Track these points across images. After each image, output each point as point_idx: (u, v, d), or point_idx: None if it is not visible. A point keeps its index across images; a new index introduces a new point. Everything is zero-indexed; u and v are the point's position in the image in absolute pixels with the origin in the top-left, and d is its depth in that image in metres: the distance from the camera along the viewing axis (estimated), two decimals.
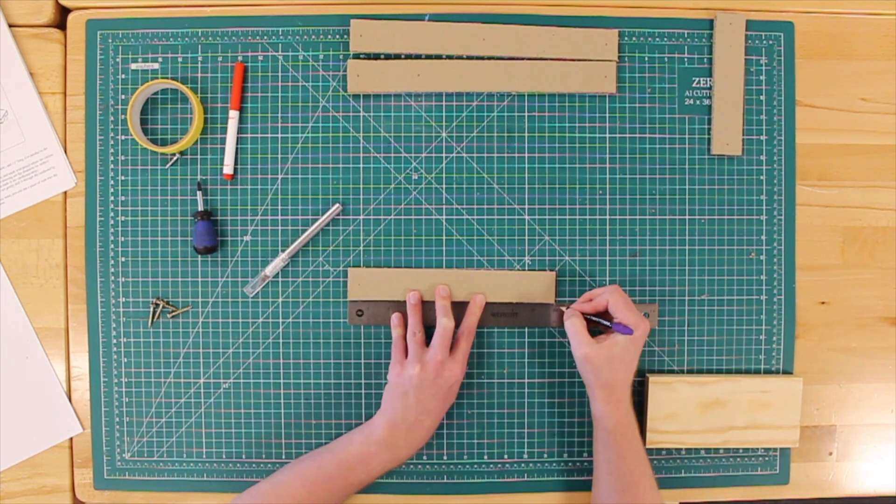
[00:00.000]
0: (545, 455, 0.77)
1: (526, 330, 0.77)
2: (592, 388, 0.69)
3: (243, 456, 0.77)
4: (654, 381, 0.75)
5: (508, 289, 0.76)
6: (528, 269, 0.77)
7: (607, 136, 0.77)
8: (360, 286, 0.76)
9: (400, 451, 0.70)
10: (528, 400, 0.77)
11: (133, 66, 0.76)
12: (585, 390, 0.76)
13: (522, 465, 0.77)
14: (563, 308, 0.75)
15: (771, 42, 0.77)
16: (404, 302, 0.75)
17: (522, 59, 0.76)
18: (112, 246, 0.76)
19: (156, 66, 0.76)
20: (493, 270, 0.76)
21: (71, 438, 0.77)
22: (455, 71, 0.75)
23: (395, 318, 0.74)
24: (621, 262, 0.77)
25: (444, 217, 0.76)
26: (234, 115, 0.75)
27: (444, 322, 0.72)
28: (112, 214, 0.76)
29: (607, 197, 0.77)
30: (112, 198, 0.76)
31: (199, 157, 0.76)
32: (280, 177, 0.76)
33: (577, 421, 0.77)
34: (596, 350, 0.68)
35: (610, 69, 0.76)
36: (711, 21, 0.77)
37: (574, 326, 0.70)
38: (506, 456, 0.77)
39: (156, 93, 0.76)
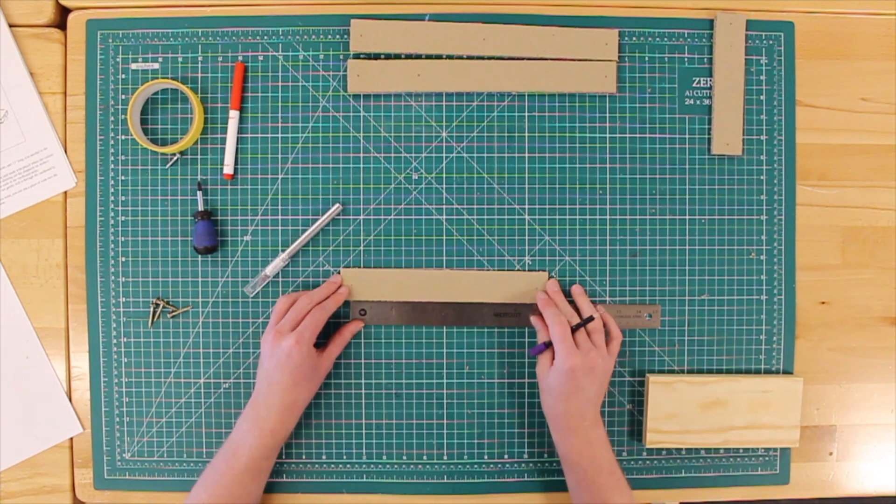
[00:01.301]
0: (545, 455, 0.77)
1: (526, 330, 0.77)
2: (547, 417, 0.72)
3: None
4: (654, 381, 0.75)
5: (501, 289, 0.76)
6: (528, 270, 0.77)
7: (607, 136, 0.77)
8: (354, 287, 0.75)
9: (265, 424, 0.69)
10: (528, 400, 0.77)
11: (133, 66, 0.76)
12: None
13: (522, 465, 0.77)
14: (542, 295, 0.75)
15: (771, 42, 0.77)
16: (405, 302, 0.75)
17: (522, 59, 0.76)
18: (112, 246, 0.76)
19: (156, 66, 0.76)
20: (484, 271, 0.76)
21: (71, 438, 0.77)
22: (455, 71, 0.75)
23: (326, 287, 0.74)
24: (621, 262, 0.77)
25: (444, 217, 0.76)
26: (234, 115, 0.75)
27: (305, 297, 0.72)
28: (112, 214, 0.76)
29: (607, 197, 0.77)
30: (112, 198, 0.76)
31: (199, 157, 0.76)
32: (280, 177, 0.76)
33: None
34: (541, 374, 0.71)
35: (610, 69, 0.76)
36: (711, 21, 0.77)
37: (543, 335, 0.72)
38: (506, 456, 0.77)
39: (156, 93, 0.76)
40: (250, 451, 0.69)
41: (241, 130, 0.76)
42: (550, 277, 0.76)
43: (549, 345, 0.71)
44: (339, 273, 0.75)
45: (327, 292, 0.74)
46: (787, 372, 0.78)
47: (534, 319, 0.74)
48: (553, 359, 0.70)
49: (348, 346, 0.76)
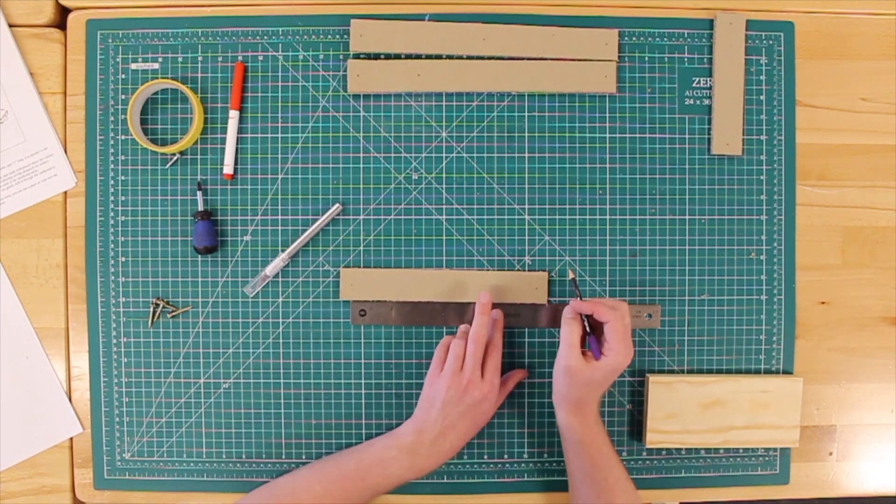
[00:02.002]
0: (545, 455, 0.77)
1: (526, 330, 0.77)
2: (562, 399, 0.69)
3: (243, 456, 0.77)
4: (654, 381, 0.75)
5: (501, 289, 0.76)
6: (528, 270, 0.77)
7: (607, 136, 0.77)
8: (353, 286, 0.76)
9: (420, 461, 0.69)
10: (528, 400, 0.77)
11: (133, 66, 0.76)
12: None
13: (522, 465, 0.77)
14: (570, 302, 0.70)
15: (771, 42, 0.77)
16: (405, 303, 0.75)
17: (522, 59, 0.76)
18: (112, 246, 0.76)
19: (156, 66, 0.76)
20: (484, 271, 0.76)
21: (71, 438, 0.77)
22: (455, 71, 0.75)
23: (463, 327, 0.72)
24: (621, 262, 0.77)
25: (444, 217, 0.76)
26: (234, 115, 0.75)
27: (474, 334, 0.69)
28: (112, 214, 0.76)
29: (607, 197, 0.77)
30: (112, 198, 0.76)
31: (199, 157, 0.76)
32: (280, 177, 0.76)
33: None
34: (581, 367, 0.67)
35: (610, 69, 0.76)
36: (711, 21, 0.77)
37: (570, 335, 0.67)
38: (506, 456, 0.77)
39: (156, 93, 0.76)
40: (388, 478, 0.69)
41: (241, 130, 0.76)
42: (550, 277, 0.76)
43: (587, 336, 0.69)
44: (486, 293, 0.71)
45: (488, 320, 0.70)
46: (787, 372, 0.78)
47: (570, 329, 0.68)
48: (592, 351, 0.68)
49: (348, 345, 0.76)
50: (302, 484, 0.69)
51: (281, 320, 0.76)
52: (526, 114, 0.76)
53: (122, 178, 0.76)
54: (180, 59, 0.76)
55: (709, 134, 0.77)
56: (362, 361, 0.77)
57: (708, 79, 0.77)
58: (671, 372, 0.77)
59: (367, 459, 0.69)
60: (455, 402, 0.68)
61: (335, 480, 0.69)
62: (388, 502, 0.77)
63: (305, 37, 0.76)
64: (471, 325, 0.70)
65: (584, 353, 0.68)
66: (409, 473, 0.69)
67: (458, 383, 0.68)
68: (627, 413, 0.77)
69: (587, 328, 0.69)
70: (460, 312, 0.76)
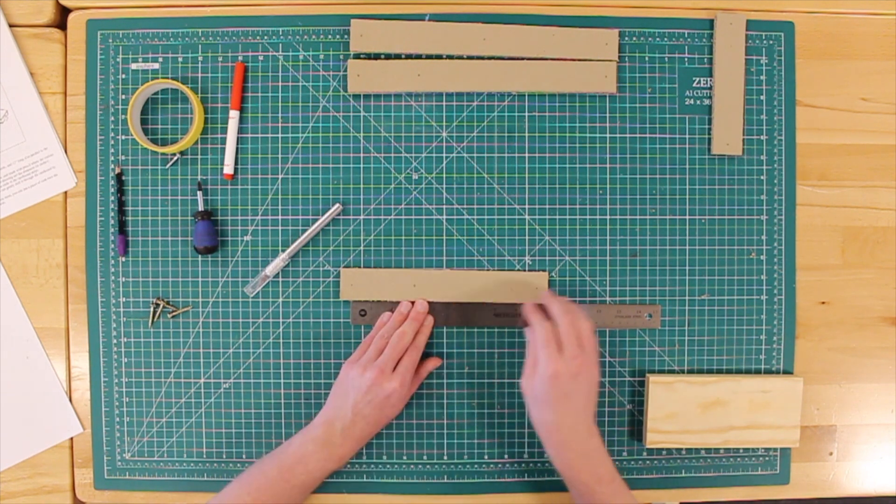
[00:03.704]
0: (545, 455, 0.77)
1: (526, 330, 0.77)
2: (546, 431, 0.68)
3: (243, 456, 0.77)
4: (654, 381, 0.75)
5: (501, 289, 0.76)
6: (528, 270, 0.77)
7: (607, 136, 0.77)
8: (353, 286, 0.76)
9: (336, 450, 0.70)
10: None
11: (133, 66, 0.76)
12: None
13: (522, 465, 0.77)
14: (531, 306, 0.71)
15: (771, 42, 0.77)
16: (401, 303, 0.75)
17: (522, 59, 0.76)
18: (112, 246, 0.76)
19: (156, 66, 0.76)
20: (484, 271, 0.76)
21: (71, 438, 0.77)
22: (455, 71, 0.75)
23: (384, 315, 0.75)
24: (621, 262, 0.77)
25: (444, 217, 0.76)
26: (234, 115, 0.75)
27: (399, 333, 0.72)
28: (112, 214, 0.76)
29: (607, 197, 0.77)
30: (112, 198, 0.76)
31: (199, 157, 0.76)
32: (280, 177, 0.76)
33: None
34: (525, 383, 0.68)
35: (610, 69, 0.76)
36: (712, 21, 0.77)
37: (534, 339, 0.68)
38: (506, 456, 0.77)
39: (156, 93, 0.76)
40: (311, 473, 0.69)
41: (241, 130, 0.76)
42: (551, 277, 0.76)
43: None
44: (424, 302, 0.75)
45: (417, 326, 0.73)
46: (787, 372, 0.78)
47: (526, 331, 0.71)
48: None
49: (348, 345, 0.76)
50: (231, 499, 0.68)
51: (281, 320, 0.76)
52: (526, 114, 0.76)
53: (123, 177, 0.76)
54: (180, 59, 0.76)
55: (709, 134, 0.77)
56: None
57: (708, 79, 0.77)
58: (671, 372, 0.77)
59: (287, 460, 0.70)
60: (365, 392, 0.70)
61: (262, 488, 0.69)
62: (389, 502, 0.77)
63: (305, 37, 0.76)
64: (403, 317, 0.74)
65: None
66: (329, 464, 0.70)
67: (370, 376, 0.70)
68: (627, 413, 0.77)
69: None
70: (461, 312, 0.76)
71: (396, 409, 0.72)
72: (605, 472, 0.67)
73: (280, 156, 0.76)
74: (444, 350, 0.76)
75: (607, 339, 0.77)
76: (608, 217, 0.77)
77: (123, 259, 0.76)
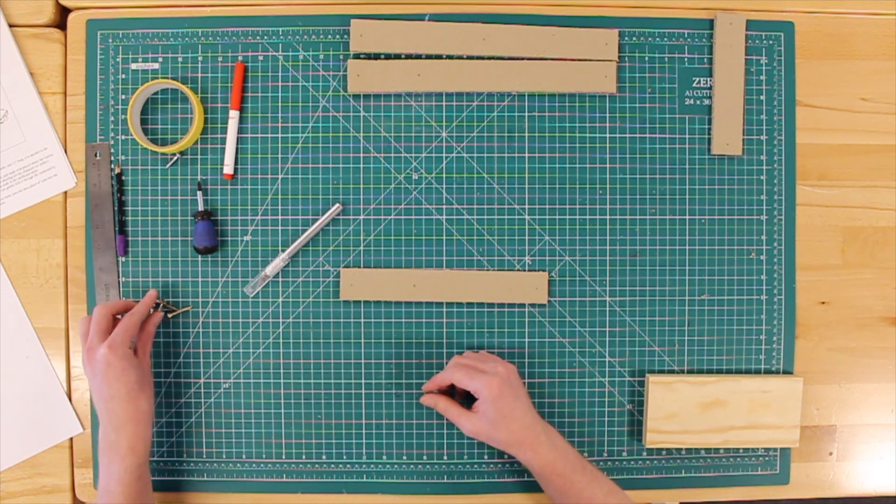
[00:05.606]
0: None
1: (526, 330, 0.77)
2: (497, 444, 0.70)
3: (243, 456, 0.77)
4: (654, 381, 0.75)
5: (501, 289, 0.76)
6: (528, 270, 0.77)
7: (607, 136, 0.77)
8: (353, 287, 0.76)
9: (121, 445, 0.67)
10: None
11: (133, 66, 0.76)
12: (584, 390, 0.76)
13: (522, 465, 0.77)
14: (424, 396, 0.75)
15: (771, 42, 0.77)
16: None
17: (522, 59, 0.76)
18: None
19: (156, 66, 0.76)
20: (484, 271, 0.76)
21: (71, 438, 0.77)
22: (455, 71, 0.75)
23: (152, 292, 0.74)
24: (621, 262, 0.77)
25: (444, 217, 0.76)
26: (234, 115, 0.75)
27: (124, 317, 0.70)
28: (112, 214, 0.76)
29: (607, 197, 0.77)
30: (112, 197, 0.76)
31: (199, 157, 0.76)
32: (280, 177, 0.76)
33: (577, 421, 0.77)
34: (475, 422, 0.69)
35: (610, 69, 0.76)
36: (711, 21, 0.77)
37: (443, 409, 0.72)
38: (506, 456, 0.77)
39: (156, 93, 0.76)
40: (120, 479, 0.66)
41: (241, 130, 0.76)
42: (550, 277, 0.76)
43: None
44: (155, 291, 0.74)
45: (127, 303, 0.73)
46: (787, 372, 0.78)
47: (438, 406, 0.73)
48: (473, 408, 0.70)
49: (348, 345, 0.76)
50: None
51: (281, 320, 0.76)
52: (526, 114, 0.76)
53: (123, 177, 0.76)
54: (180, 59, 0.76)
55: (709, 134, 0.77)
56: (362, 361, 0.77)
57: (708, 79, 0.77)
58: (671, 372, 0.77)
59: (102, 490, 0.67)
60: (91, 375, 0.68)
61: None
62: (389, 502, 0.77)
63: (305, 37, 0.76)
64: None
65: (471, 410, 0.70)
66: (126, 461, 0.67)
67: (83, 358, 0.68)
68: (627, 413, 0.77)
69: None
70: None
71: (128, 374, 0.67)
72: (576, 459, 0.69)
73: (280, 156, 0.76)
74: (445, 350, 0.76)
75: (607, 339, 0.77)
76: (608, 217, 0.77)
77: (123, 259, 0.76)
